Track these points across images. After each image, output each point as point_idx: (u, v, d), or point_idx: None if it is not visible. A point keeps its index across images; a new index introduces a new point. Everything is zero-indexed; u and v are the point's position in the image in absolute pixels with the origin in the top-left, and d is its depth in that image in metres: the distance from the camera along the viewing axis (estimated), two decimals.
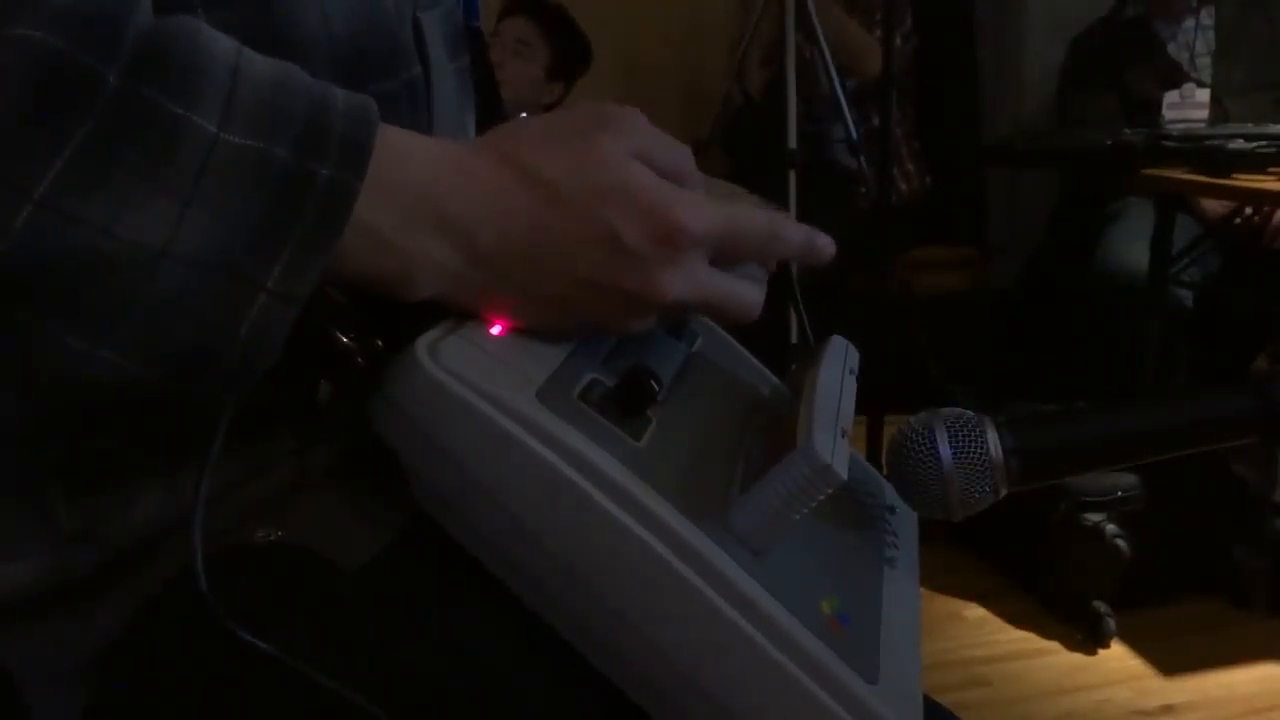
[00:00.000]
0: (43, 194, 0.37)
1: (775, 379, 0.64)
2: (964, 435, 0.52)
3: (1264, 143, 1.93)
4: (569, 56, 2.69)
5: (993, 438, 0.52)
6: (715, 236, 0.48)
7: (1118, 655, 1.89)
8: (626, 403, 0.48)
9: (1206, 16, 2.66)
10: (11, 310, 0.38)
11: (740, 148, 2.79)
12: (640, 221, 0.46)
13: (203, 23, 0.41)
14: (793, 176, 2.31)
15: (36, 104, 0.36)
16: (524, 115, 0.54)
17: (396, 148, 0.44)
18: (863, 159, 2.50)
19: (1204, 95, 2.37)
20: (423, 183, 0.44)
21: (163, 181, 0.38)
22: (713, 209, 0.48)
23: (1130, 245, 2.40)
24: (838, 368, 0.55)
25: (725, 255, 0.49)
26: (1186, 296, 2.35)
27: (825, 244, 0.54)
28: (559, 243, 0.46)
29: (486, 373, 0.45)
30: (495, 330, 0.48)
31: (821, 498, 0.46)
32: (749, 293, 0.51)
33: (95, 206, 0.37)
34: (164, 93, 0.38)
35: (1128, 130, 2.25)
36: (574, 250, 0.46)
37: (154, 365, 0.40)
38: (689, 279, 0.47)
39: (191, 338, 0.40)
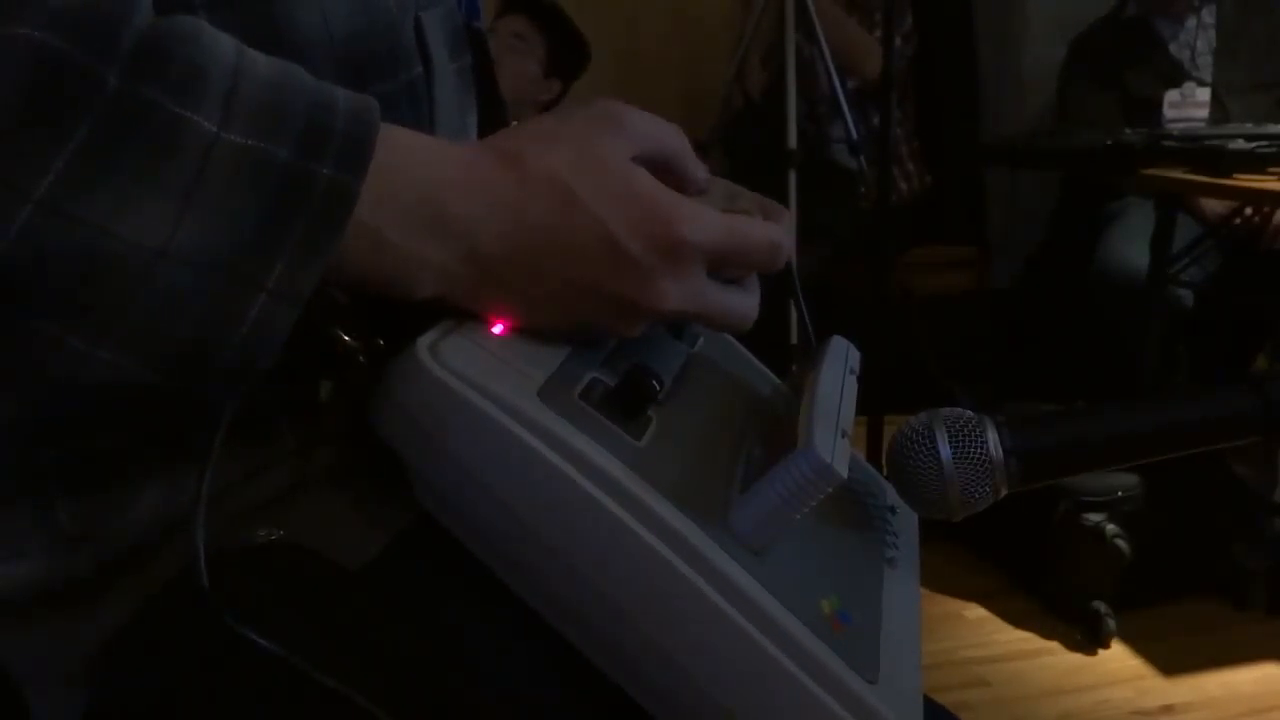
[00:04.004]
0: (42, 194, 0.37)
1: (776, 379, 0.64)
2: (964, 435, 0.52)
3: (1264, 143, 1.93)
4: (566, 54, 2.69)
5: (993, 438, 0.52)
6: (716, 248, 0.48)
7: (1118, 655, 1.89)
8: (627, 402, 0.48)
9: (1208, 15, 2.66)
10: (11, 310, 0.38)
11: (740, 148, 2.79)
12: (642, 230, 0.46)
13: (204, 22, 0.41)
14: (793, 176, 2.31)
15: (37, 104, 0.36)
16: (517, 118, 0.55)
17: (398, 147, 0.44)
18: (863, 159, 2.50)
19: (1205, 94, 2.37)
20: (424, 183, 0.44)
21: (163, 181, 0.38)
22: (714, 220, 0.48)
23: (1130, 245, 2.40)
24: (838, 368, 0.55)
25: (725, 266, 0.50)
26: (1186, 296, 2.35)
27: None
28: (559, 246, 0.46)
29: (488, 372, 0.45)
30: (496, 330, 0.48)
31: (822, 497, 0.46)
32: (745, 305, 0.51)
33: (95, 207, 0.37)
34: (164, 93, 0.38)
35: (1128, 130, 2.25)
36: (574, 254, 0.46)
37: (152, 366, 0.40)
38: (687, 290, 0.47)
39: (190, 338, 0.40)
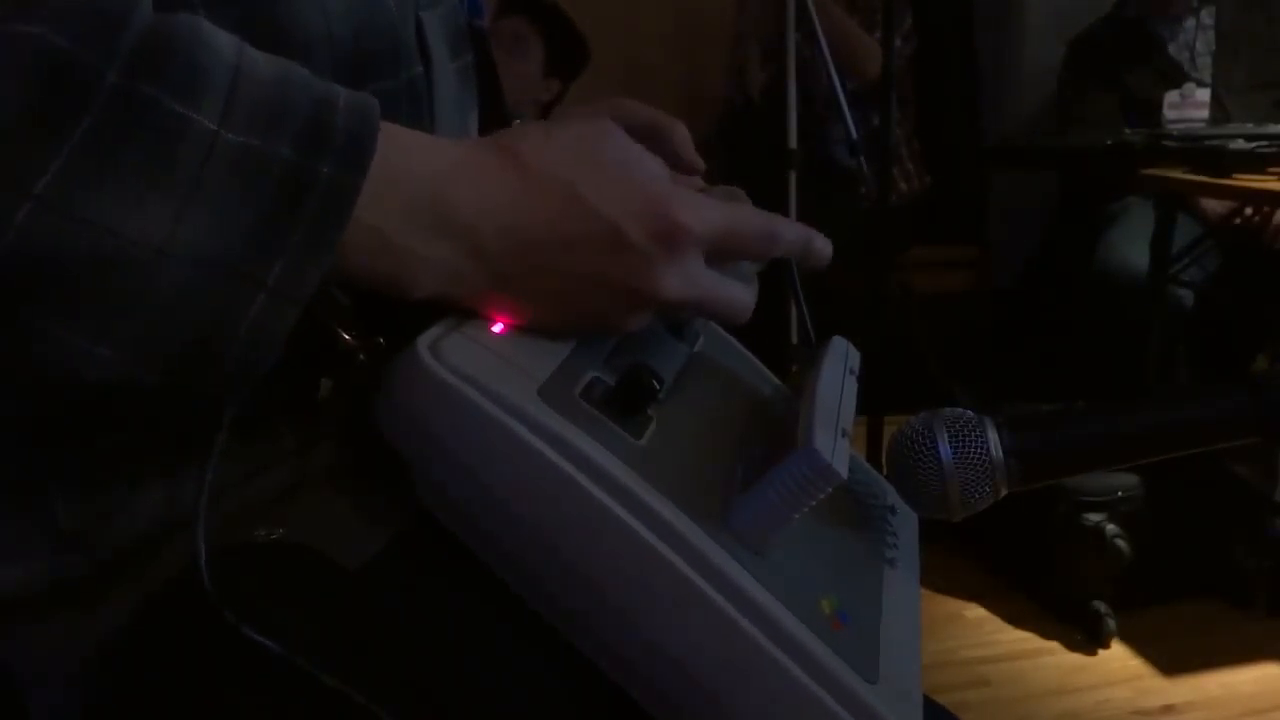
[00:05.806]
0: (42, 191, 0.37)
1: (776, 379, 0.64)
2: (964, 435, 0.52)
3: (1264, 143, 1.93)
4: (566, 54, 2.69)
5: (993, 438, 0.52)
6: (715, 236, 0.48)
7: (1118, 655, 1.89)
8: (627, 401, 0.48)
9: (1207, 16, 2.66)
10: (11, 308, 0.38)
11: (740, 148, 2.79)
12: (642, 219, 0.46)
13: (204, 20, 0.41)
14: (793, 176, 2.31)
15: (38, 101, 0.36)
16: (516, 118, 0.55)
17: (398, 145, 0.44)
18: (863, 159, 2.50)
19: (1204, 95, 2.38)
20: (424, 180, 0.44)
21: (162, 179, 0.38)
22: (712, 208, 0.48)
23: (1130, 245, 2.40)
24: (838, 368, 0.55)
25: (723, 254, 0.50)
26: (1186, 296, 2.35)
27: (823, 245, 0.54)
28: (560, 238, 0.46)
29: (488, 370, 0.45)
30: (497, 328, 0.48)
31: (822, 497, 0.46)
32: (742, 295, 0.52)
33: (95, 204, 0.37)
34: (164, 90, 0.38)
35: (1128, 130, 2.26)
36: (575, 246, 0.46)
37: (153, 363, 0.40)
38: (687, 278, 0.48)
39: (191, 336, 0.40)
